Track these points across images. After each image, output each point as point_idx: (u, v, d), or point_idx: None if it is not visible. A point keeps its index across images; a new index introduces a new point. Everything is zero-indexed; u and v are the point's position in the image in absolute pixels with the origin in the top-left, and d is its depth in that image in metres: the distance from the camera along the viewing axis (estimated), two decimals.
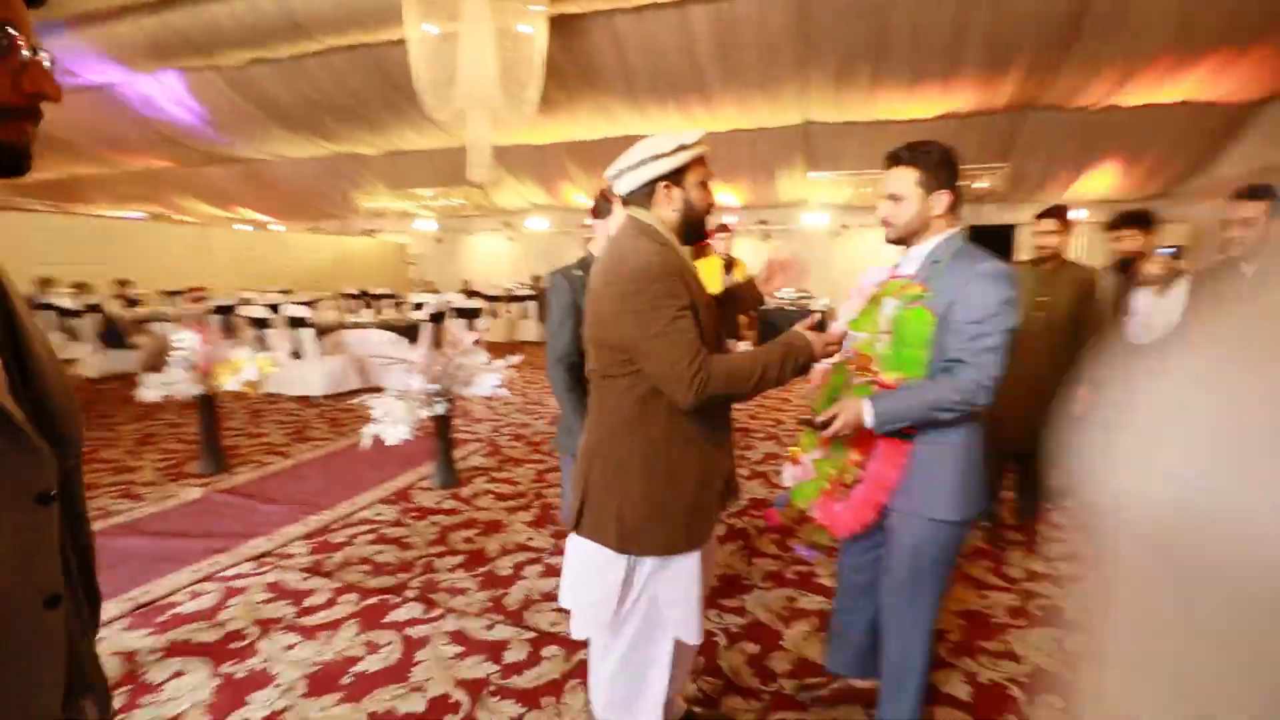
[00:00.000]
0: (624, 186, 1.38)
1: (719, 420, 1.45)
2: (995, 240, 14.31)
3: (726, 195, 15.76)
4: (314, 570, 2.75)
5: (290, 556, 2.89)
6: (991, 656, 2.15)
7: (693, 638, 1.45)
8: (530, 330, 10.85)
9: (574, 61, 11.36)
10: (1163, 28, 9.16)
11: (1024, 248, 13.10)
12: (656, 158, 1.33)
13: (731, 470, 1.52)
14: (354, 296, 11.73)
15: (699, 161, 1.38)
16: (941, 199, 1.49)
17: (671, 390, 1.28)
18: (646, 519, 1.36)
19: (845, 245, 16.70)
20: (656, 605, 1.43)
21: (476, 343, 3.87)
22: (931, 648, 1.62)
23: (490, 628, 2.31)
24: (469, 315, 6.87)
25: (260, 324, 6.23)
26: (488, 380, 3.76)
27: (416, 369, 3.61)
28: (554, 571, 2.74)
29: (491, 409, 5.74)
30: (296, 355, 6.08)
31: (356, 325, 6.74)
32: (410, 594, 2.55)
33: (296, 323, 6.04)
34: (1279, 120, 10.79)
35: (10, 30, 0.59)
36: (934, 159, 1.48)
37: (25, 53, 0.60)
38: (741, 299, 1.69)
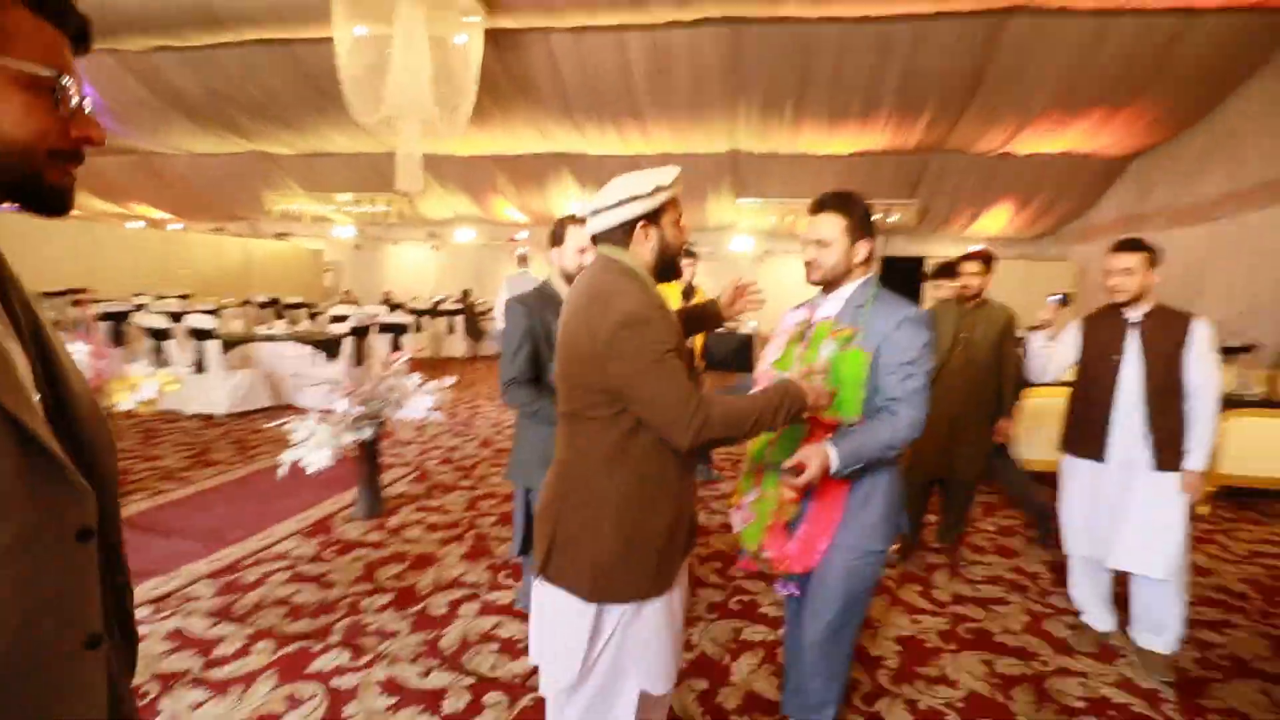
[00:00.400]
0: (599, 225, 1.36)
1: (690, 463, 1.43)
2: (907, 271, 15.29)
3: None
4: (223, 614, 2.50)
5: (195, 599, 2.62)
6: (928, 682, 2.23)
7: (659, 687, 1.41)
8: (457, 347, 10.51)
9: (509, 75, 11.26)
10: (1050, 87, 10.14)
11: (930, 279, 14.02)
12: (635, 198, 1.32)
13: (694, 513, 1.51)
14: (264, 305, 10.97)
15: (674, 201, 1.38)
16: (863, 247, 1.59)
17: (669, 432, 1.27)
18: (620, 563, 1.33)
19: (770, 270, 17.31)
20: (623, 653, 1.38)
21: (409, 361, 3.70)
22: (845, 685, 1.74)
23: (426, 674, 2.18)
24: (395, 330, 6.56)
25: (159, 334, 5.69)
26: (421, 403, 3.59)
27: (344, 390, 3.40)
28: (492, 609, 2.63)
29: (419, 431, 5.49)
30: (199, 368, 5.60)
31: (269, 338, 6.28)
32: (334, 639, 2.37)
33: (200, 334, 5.57)
34: (1144, 172, 12.16)
35: (64, 80, 0.63)
36: (860, 210, 1.59)
37: (75, 99, 0.65)
38: (704, 319, 1.76)
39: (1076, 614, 2.61)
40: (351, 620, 2.50)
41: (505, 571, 2.95)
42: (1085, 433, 2.38)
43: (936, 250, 15.25)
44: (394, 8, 7.95)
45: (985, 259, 3.11)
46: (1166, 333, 2.24)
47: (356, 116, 9.11)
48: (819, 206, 1.61)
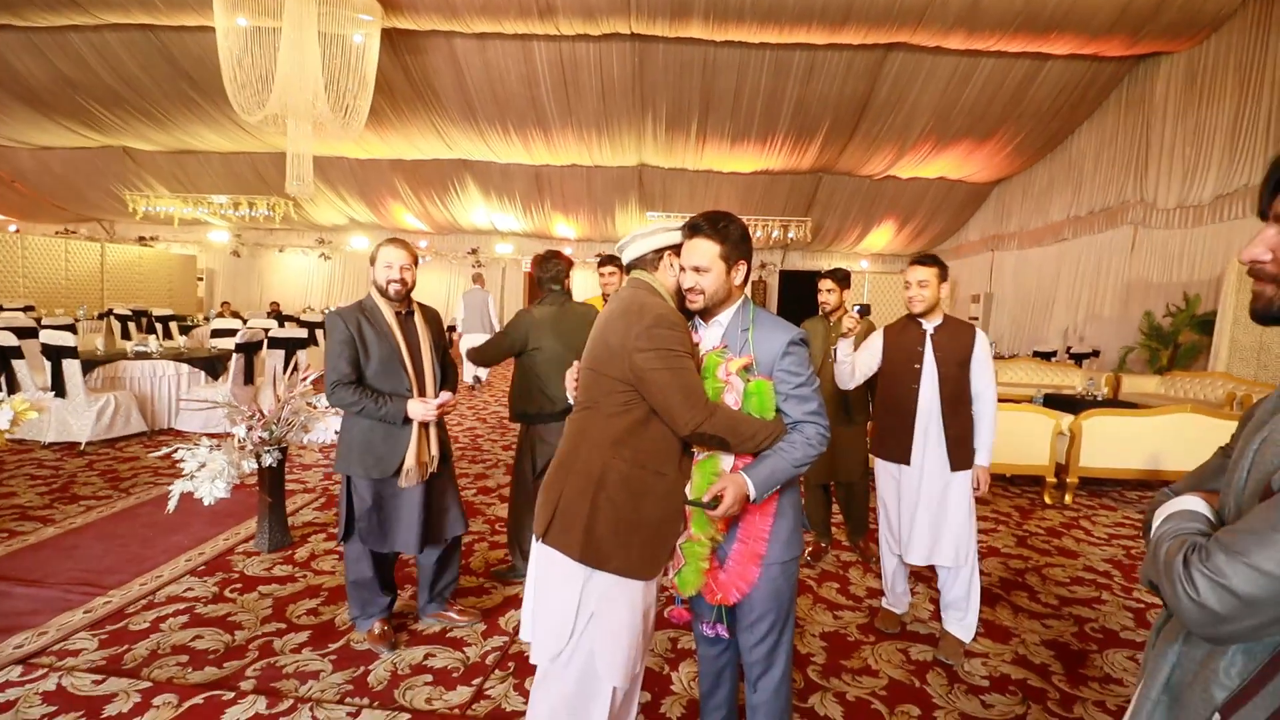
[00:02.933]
0: (634, 252, 1.64)
1: (688, 469, 1.59)
2: (802, 284, 16.18)
3: (565, 227, 15.97)
4: (111, 669, 2.23)
5: (74, 653, 2.31)
6: (853, 674, 2.37)
7: (619, 680, 1.49)
8: None
9: (408, 78, 10.86)
10: (926, 118, 11.14)
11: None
12: (664, 231, 1.62)
13: (681, 525, 1.63)
14: (127, 318, 9.85)
15: (681, 248, 1.62)
16: (741, 270, 1.59)
17: (676, 416, 1.46)
18: (610, 535, 1.48)
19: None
20: (597, 640, 1.48)
21: (314, 381, 3.47)
22: (790, 687, 1.74)
23: (355, 714, 2.05)
24: (289, 345, 6.11)
25: (6, 353, 4.97)
26: (330, 425, 3.38)
27: (248, 413, 3.13)
28: (421, 638, 2.52)
29: (322, 453, 5.14)
30: (56, 392, 4.94)
31: (143, 355, 5.66)
32: (247, 685, 2.17)
33: (56, 351, 4.92)
34: (1003, 198, 13.59)
35: None
36: (735, 232, 1.55)
37: None
38: None
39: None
40: (265, 663, 2.30)
41: None
42: (891, 438, 2.55)
43: (829, 265, 16.28)
44: (283, 1, 7.44)
45: (839, 277, 3.41)
46: (957, 342, 2.49)
47: (239, 113, 8.43)
48: (692, 230, 1.56)
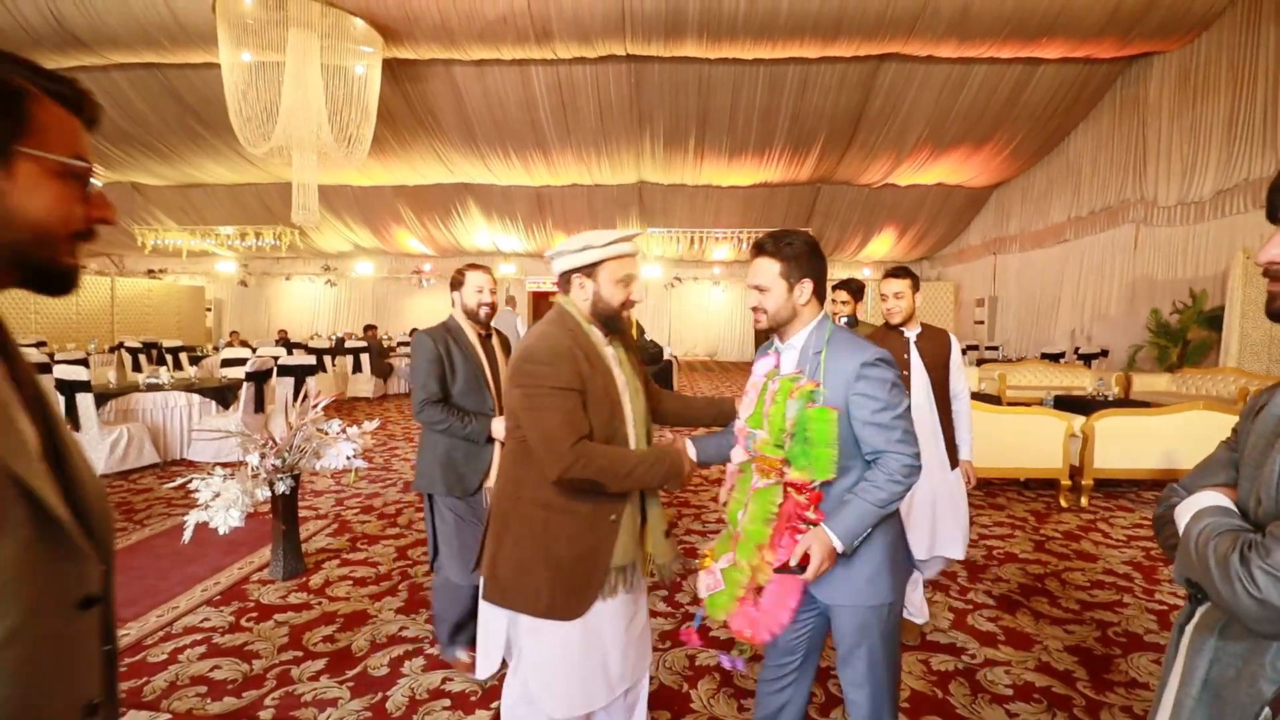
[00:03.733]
0: (554, 271, 1.59)
1: (609, 501, 1.52)
2: None
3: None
4: (130, 702, 2.23)
5: None
6: None
7: (574, 710, 1.51)
8: (364, 387, 9.97)
9: (409, 106, 11.05)
10: (921, 125, 11.21)
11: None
12: (565, 253, 1.55)
13: (636, 556, 1.61)
14: (137, 350, 9.95)
15: (615, 261, 1.55)
16: (805, 288, 1.50)
17: (542, 461, 1.44)
18: (514, 574, 1.50)
19: (678, 297, 17.79)
20: (530, 669, 1.54)
21: (326, 407, 3.49)
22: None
23: None
24: (298, 373, 6.15)
25: None
26: (342, 450, 3.39)
27: (261, 441, 3.15)
28: (439, 663, 2.51)
29: (332, 479, 5.15)
30: (70, 426, 4.98)
31: (155, 387, 5.71)
32: (265, 715, 2.17)
33: (70, 386, 4.97)
34: (1003, 202, 13.61)
35: (86, 163, 0.67)
36: (795, 250, 1.49)
37: (95, 182, 0.70)
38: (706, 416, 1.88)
39: (995, 607, 2.85)
40: (283, 692, 2.30)
41: None
42: None
43: (831, 274, 16.30)
44: (286, 36, 7.60)
45: (853, 289, 3.29)
46: (936, 346, 2.63)
47: (246, 146, 8.57)
48: (755, 250, 1.55)
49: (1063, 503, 4.53)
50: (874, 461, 1.44)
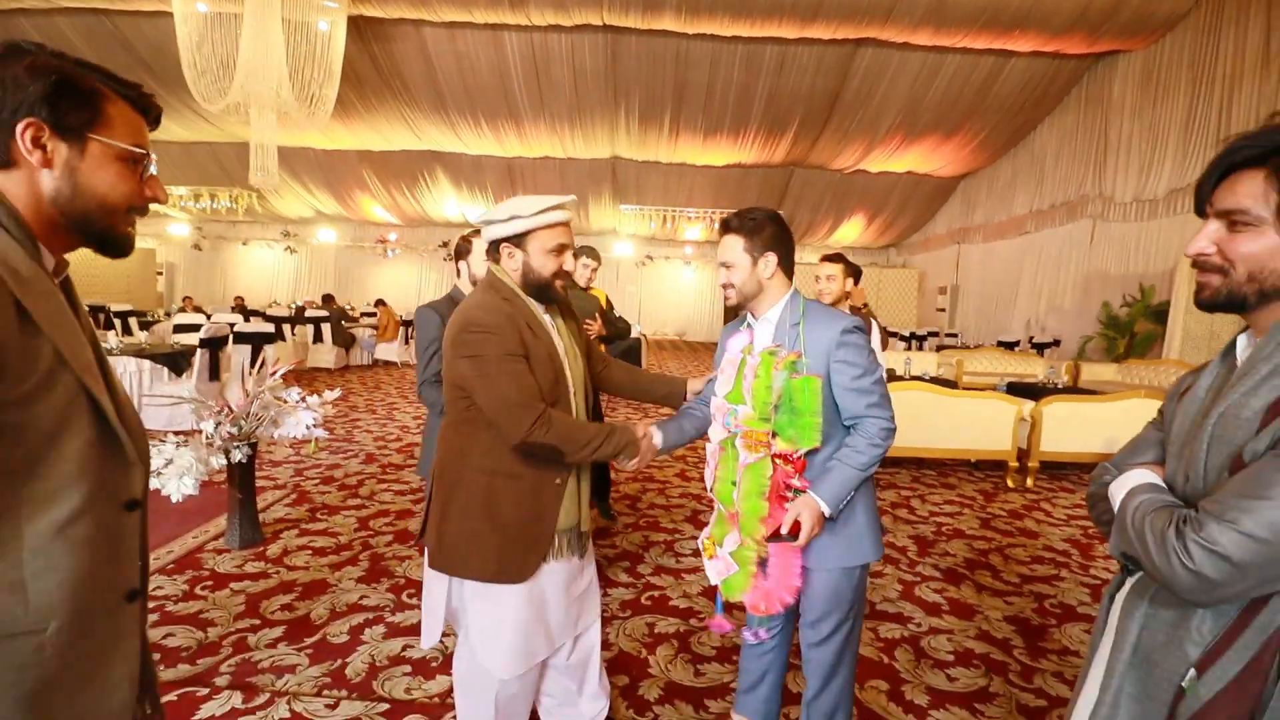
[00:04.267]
0: (484, 239, 1.58)
1: (558, 468, 1.56)
2: None
3: None
4: None
5: None
6: None
7: (518, 667, 1.56)
8: (325, 357, 9.75)
9: (376, 67, 10.68)
10: (894, 112, 11.31)
11: (799, 284, 15.13)
12: (492, 222, 1.51)
13: (577, 518, 1.63)
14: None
15: (545, 230, 1.51)
16: (770, 261, 1.54)
17: (502, 426, 1.44)
18: (463, 541, 1.52)
19: (650, 274, 17.76)
20: (476, 631, 1.57)
21: (285, 375, 3.41)
22: (852, 690, 1.71)
23: (334, 706, 2.04)
24: (256, 340, 5.98)
25: None
26: (302, 419, 3.33)
27: (215, 409, 3.07)
28: (400, 630, 2.51)
29: (292, 449, 5.06)
30: None
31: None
32: (222, 681, 2.15)
33: None
34: (969, 192, 13.88)
35: (144, 151, 0.84)
36: (756, 224, 1.53)
37: (152, 168, 0.85)
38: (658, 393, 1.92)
39: (941, 579, 2.98)
40: (240, 659, 2.28)
41: (410, 590, 2.83)
42: None
43: (801, 258, 16.46)
44: None
45: (846, 263, 3.16)
46: (865, 326, 2.80)
47: (200, 102, 8.20)
48: (722, 227, 1.59)
49: (1010, 483, 4.73)
50: (853, 427, 1.51)
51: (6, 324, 0.68)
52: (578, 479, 1.62)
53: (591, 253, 3.50)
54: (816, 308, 1.57)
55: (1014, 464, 4.69)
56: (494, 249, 1.53)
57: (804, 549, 1.50)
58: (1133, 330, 8.57)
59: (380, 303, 11.67)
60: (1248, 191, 0.79)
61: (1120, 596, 0.93)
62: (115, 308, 10.11)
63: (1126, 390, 5.03)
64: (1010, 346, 9.69)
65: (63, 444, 0.72)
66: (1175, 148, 8.56)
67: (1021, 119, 11.23)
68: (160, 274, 17.20)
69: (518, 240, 1.49)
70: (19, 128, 0.75)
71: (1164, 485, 0.88)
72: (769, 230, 1.54)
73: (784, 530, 1.46)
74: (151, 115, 0.87)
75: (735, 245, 1.55)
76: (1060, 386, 6.05)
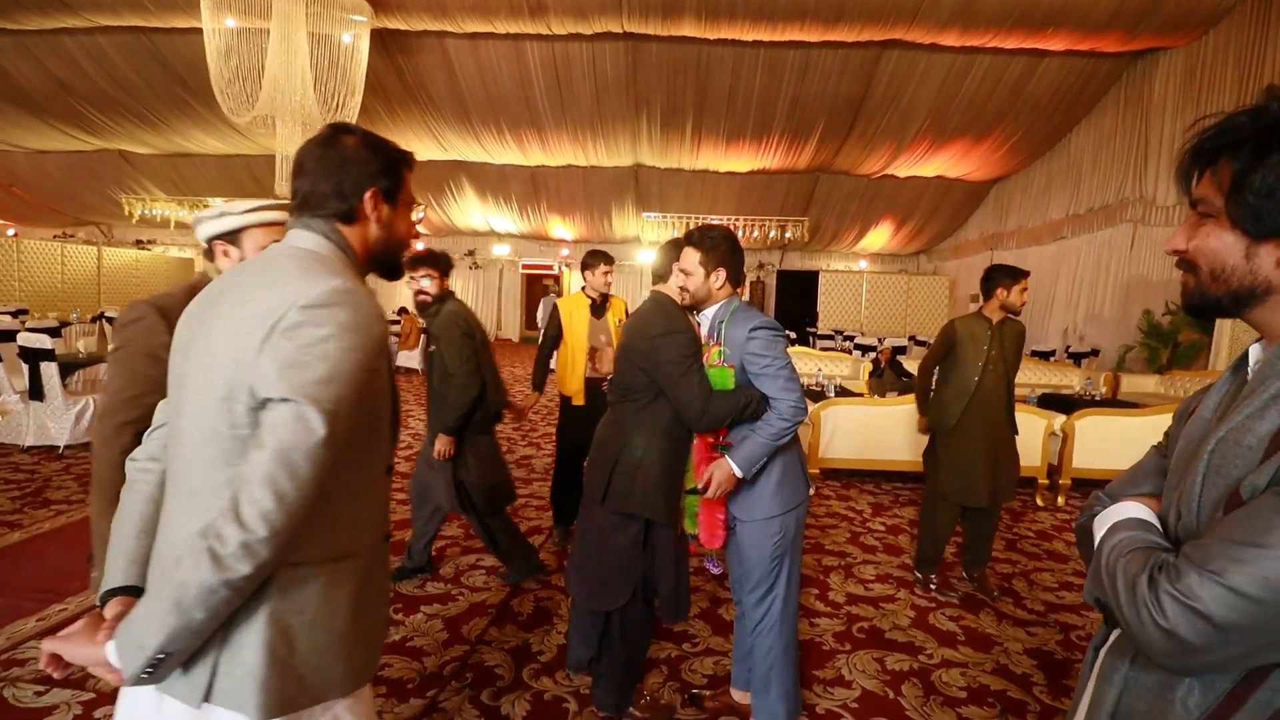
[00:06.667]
0: (199, 237, 1.47)
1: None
2: (800, 284, 16.05)
3: (562, 229, 15.90)
4: (56, 680, 2.15)
5: (21, 663, 2.24)
6: (825, 685, 2.29)
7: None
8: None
9: (400, 78, 10.83)
10: (922, 116, 11.03)
11: (825, 291, 14.84)
12: (213, 218, 1.42)
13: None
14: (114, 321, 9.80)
15: (264, 229, 1.43)
16: (720, 275, 1.85)
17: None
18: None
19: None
20: None
21: None
22: (791, 643, 1.92)
23: None
24: None
25: None
26: None
27: None
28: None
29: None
30: (33, 395, 4.89)
31: None
32: None
33: (34, 354, 4.86)
34: (1002, 197, 13.46)
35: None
36: (713, 243, 1.84)
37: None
38: None
39: (959, 605, 2.80)
40: None
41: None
42: None
43: (828, 265, 16.17)
44: (271, 1, 7.40)
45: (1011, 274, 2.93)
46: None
47: (228, 115, 8.39)
48: (685, 240, 1.89)
49: (1039, 501, 4.47)
50: (771, 406, 1.79)
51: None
52: None
53: (604, 257, 3.41)
54: (741, 311, 1.86)
55: (1044, 481, 4.44)
56: (210, 249, 1.46)
57: (728, 502, 1.88)
58: (1176, 339, 8.14)
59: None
60: (1209, 180, 0.71)
61: (1103, 651, 0.79)
62: None
63: (1166, 403, 4.73)
64: (1045, 356, 9.30)
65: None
66: None
67: (1056, 121, 10.83)
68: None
69: (232, 238, 1.43)
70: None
71: (1156, 523, 0.74)
72: (723, 249, 1.85)
73: (699, 486, 1.82)
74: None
75: (694, 258, 1.86)
76: (1096, 399, 5.75)
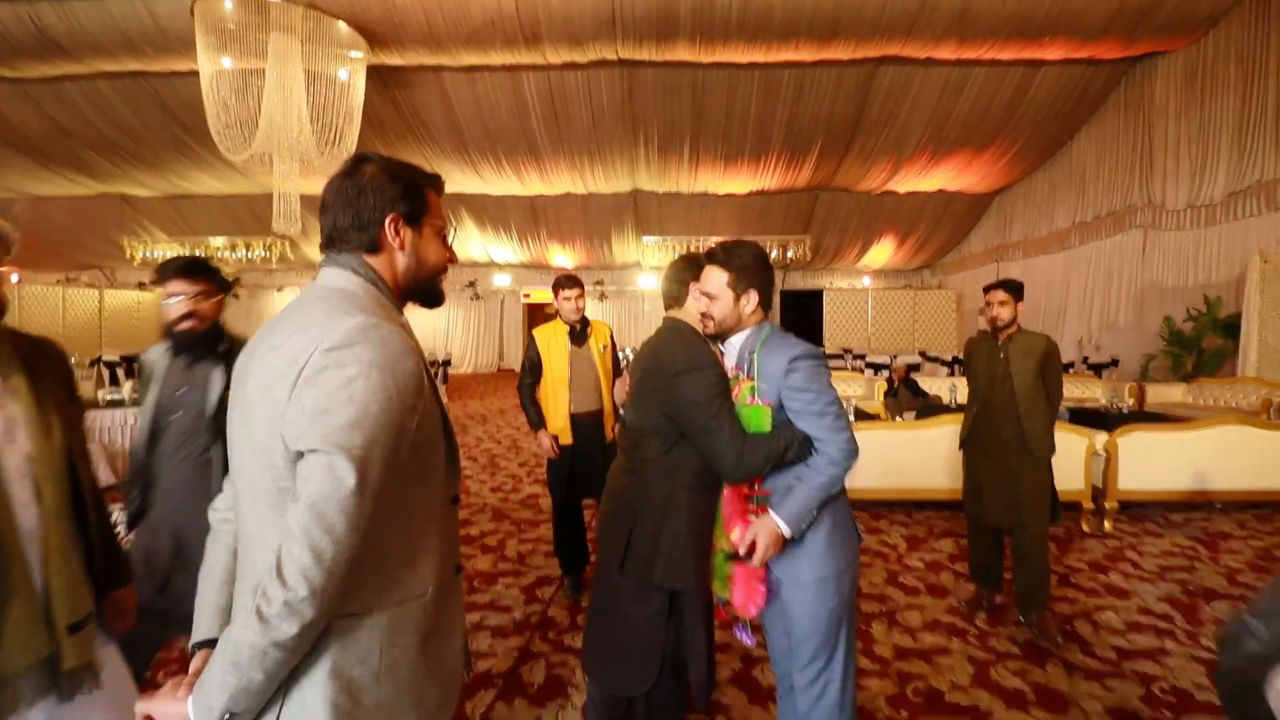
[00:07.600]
0: None
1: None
2: (804, 303, 15.90)
3: (563, 257, 15.82)
4: None
5: None
6: None
7: None
8: None
9: (398, 113, 10.81)
10: (920, 130, 10.96)
11: (830, 310, 14.66)
12: None
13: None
14: (115, 365, 9.66)
15: None
16: (752, 298, 1.61)
17: None
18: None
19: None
20: None
21: None
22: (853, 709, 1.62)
23: None
24: None
25: None
26: None
27: None
28: None
29: None
30: None
31: (114, 404, 5.40)
32: None
33: None
34: (1004, 208, 13.36)
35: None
36: (744, 261, 1.60)
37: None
38: None
39: (1021, 657, 2.53)
40: None
41: None
42: None
43: (831, 283, 16.02)
44: (267, 41, 7.36)
45: (1012, 288, 2.89)
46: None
47: (225, 153, 8.33)
48: (708, 259, 1.65)
49: (1085, 527, 4.18)
50: (813, 446, 1.53)
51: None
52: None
53: (569, 281, 3.19)
54: (776, 338, 1.60)
55: (1089, 505, 4.17)
56: None
57: (769, 561, 1.54)
58: (1200, 346, 7.91)
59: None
60: None
61: None
62: None
63: (1215, 416, 4.47)
64: (1065, 369, 9.07)
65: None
66: (1229, 148, 7.99)
67: (1056, 129, 10.74)
68: None
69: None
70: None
71: None
72: (755, 268, 1.60)
73: (741, 551, 1.52)
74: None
75: (721, 279, 1.60)
76: (1126, 412, 5.50)
